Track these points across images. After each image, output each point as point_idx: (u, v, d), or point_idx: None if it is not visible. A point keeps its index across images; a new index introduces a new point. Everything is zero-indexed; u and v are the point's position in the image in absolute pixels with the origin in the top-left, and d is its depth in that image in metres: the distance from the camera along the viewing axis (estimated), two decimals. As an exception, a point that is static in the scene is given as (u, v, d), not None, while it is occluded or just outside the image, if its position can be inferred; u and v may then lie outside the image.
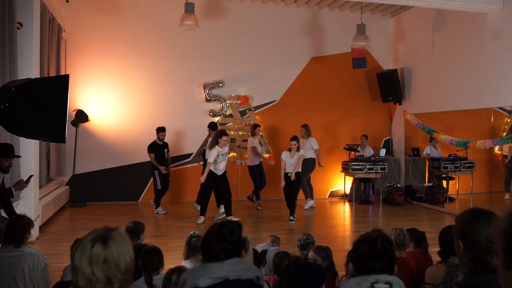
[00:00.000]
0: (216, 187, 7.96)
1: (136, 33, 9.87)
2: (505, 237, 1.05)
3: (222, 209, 8.26)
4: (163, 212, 8.70)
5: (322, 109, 10.86)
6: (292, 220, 8.04)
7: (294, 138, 8.16)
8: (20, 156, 5.48)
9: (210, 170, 7.76)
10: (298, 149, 8.09)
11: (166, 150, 8.92)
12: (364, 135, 10.47)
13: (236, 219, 7.64)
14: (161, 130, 8.83)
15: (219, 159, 7.74)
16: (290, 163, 8.05)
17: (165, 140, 8.94)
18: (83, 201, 9.41)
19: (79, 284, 1.62)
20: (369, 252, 2.06)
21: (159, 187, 8.82)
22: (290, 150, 8.09)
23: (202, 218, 7.86)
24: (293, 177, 7.95)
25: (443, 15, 9.58)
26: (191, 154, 10.05)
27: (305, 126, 9.47)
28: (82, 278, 1.61)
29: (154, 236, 6.60)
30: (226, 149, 7.85)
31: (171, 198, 9.99)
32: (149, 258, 3.16)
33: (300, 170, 8.11)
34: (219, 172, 7.84)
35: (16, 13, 6.05)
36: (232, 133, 10.30)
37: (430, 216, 9.08)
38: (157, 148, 8.81)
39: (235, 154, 10.37)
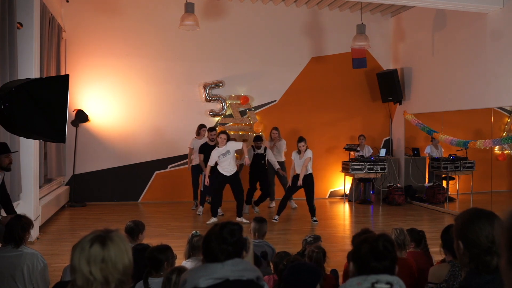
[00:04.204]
0: (231, 186, 7.90)
1: (136, 33, 9.87)
2: (509, 234, 1.04)
3: (272, 204, 8.74)
4: (199, 213, 8.58)
5: (322, 109, 10.86)
6: (315, 221, 8.09)
7: (302, 139, 8.11)
8: (17, 151, 5.48)
9: (218, 171, 7.77)
10: (306, 150, 8.06)
11: None
12: (362, 135, 10.46)
13: (246, 221, 7.65)
14: (209, 130, 8.60)
15: (220, 159, 7.73)
16: (299, 164, 8.04)
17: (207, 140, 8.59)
18: (83, 201, 9.41)
19: (77, 283, 1.64)
20: (371, 252, 2.05)
21: (201, 188, 8.65)
22: (299, 152, 8.08)
23: (212, 219, 7.80)
24: (300, 182, 7.98)
25: (443, 15, 9.58)
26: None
27: (277, 129, 9.41)
28: (80, 278, 1.63)
29: (155, 236, 6.59)
30: (227, 147, 7.74)
31: (171, 198, 10.00)
32: (155, 256, 3.16)
33: (311, 171, 8.10)
34: (228, 173, 7.78)
35: (16, 13, 6.05)
36: (232, 133, 10.30)
37: (430, 216, 9.08)
38: (207, 149, 8.41)
39: (236, 154, 10.34)
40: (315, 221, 8.12)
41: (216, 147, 7.80)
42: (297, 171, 8.09)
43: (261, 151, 8.82)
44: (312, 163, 8.13)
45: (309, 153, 8.05)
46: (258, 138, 8.94)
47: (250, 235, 4.40)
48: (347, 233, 7.78)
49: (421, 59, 10.41)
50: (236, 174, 7.88)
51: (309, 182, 8.06)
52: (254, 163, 8.80)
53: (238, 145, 7.87)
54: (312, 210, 8.16)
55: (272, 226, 7.66)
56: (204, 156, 8.49)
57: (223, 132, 8.01)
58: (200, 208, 8.60)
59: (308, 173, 8.04)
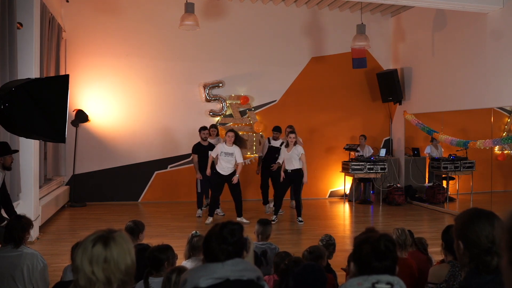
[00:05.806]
0: (229, 186, 7.86)
1: (136, 33, 9.87)
2: (509, 235, 1.04)
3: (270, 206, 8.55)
4: (198, 215, 8.41)
5: (322, 109, 10.86)
6: (301, 222, 7.98)
7: (293, 131, 7.97)
8: (18, 151, 5.49)
9: (216, 170, 7.77)
10: (295, 144, 7.88)
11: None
12: (362, 135, 10.46)
13: (246, 221, 7.64)
14: (202, 129, 8.42)
15: (221, 156, 7.71)
16: (286, 157, 7.83)
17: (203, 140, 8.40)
18: (83, 201, 9.41)
19: (80, 283, 1.64)
20: (372, 252, 2.05)
21: (199, 190, 8.42)
22: (287, 145, 7.89)
23: (210, 219, 7.81)
24: (283, 175, 7.84)
25: (443, 15, 9.58)
26: (191, 154, 10.02)
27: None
28: (82, 278, 1.64)
29: (155, 236, 6.59)
30: (233, 150, 7.69)
31: (171, 198, 10.00)
32: (156, 256, 3.15)
33: (300, 166, 7.87)
34: (225, 172, 7.77)
35: (16, 13, 6.05)
36: (232, 133, 10.28)
37: (430, 216, 9.08)
38: (201, 149, 8.32)
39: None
40: (301, 221, 7.99)
41: (223, 143, 7.78)
42: (287, 167, 7.87)
43: (276, 144, 8.60)
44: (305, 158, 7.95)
45: (301, 149, 7.87)
46: (277, 129, 8.70)
47: (253, 237, 4.41)
48: (347, 233, 7.78)
49: (421, 59, 10.41)
50: (233, 174, 7.82)
51: (298, 176, 7.88)
52: (268, 158, 8.62)
53: (239, 158, 7.73)
54: (299, 208, 7.99)
55: (273, 226, 7.66)
56: (198, 157, 8.39)
57: (231, 130, 7.94)
58: (199, 211, 8.51)
59: (297, 168, 7.87)
